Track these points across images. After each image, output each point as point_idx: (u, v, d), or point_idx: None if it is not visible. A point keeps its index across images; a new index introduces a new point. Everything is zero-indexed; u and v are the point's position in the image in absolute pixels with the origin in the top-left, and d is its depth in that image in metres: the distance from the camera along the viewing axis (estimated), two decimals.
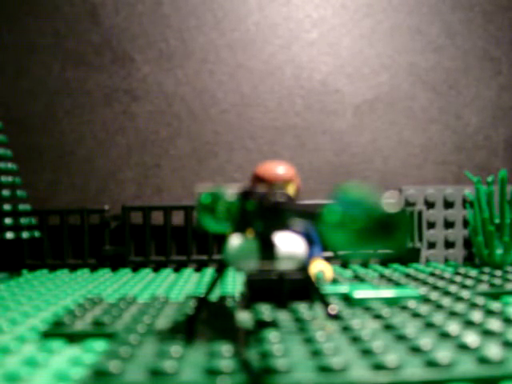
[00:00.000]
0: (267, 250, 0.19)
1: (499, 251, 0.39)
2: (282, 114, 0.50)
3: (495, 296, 0.29)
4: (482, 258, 0.40)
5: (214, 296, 0.27)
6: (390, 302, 0.25)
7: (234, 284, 0.33)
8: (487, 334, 0.19)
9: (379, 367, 0.16)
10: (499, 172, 0.40)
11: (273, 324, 0.21)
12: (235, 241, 0.20)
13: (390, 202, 0.14)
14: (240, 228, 0.20)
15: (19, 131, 0.48)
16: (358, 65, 0.51)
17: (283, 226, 0.20)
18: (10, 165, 0.41)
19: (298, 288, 0.23)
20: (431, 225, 0.46)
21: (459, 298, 0.26)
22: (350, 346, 0.18)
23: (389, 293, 0.26)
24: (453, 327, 0.19)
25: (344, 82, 0.50)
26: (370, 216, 0.14)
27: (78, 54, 0.50)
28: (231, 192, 0.20)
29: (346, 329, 0.20)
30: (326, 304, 0.21)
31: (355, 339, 0.19)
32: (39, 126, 0.49)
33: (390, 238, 0.14)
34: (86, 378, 0.14)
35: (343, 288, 0.28)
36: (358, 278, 0.34)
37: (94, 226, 0.46)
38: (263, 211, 0.19)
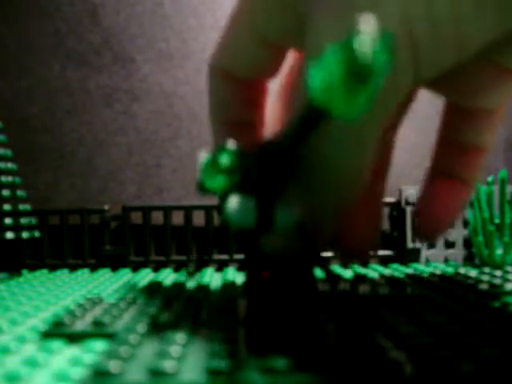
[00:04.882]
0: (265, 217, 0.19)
1: (499, 251, 0.39)
2: None
3: (495, 296, 0.29)
4: (482, 258, 0.40)
5: (214, 295, 0.27)
6: None
7: (234, 283, 0.33)
8: (487, 333, 0.19)
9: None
10: (499, 172, 0.40)
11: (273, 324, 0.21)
12: (234, 200, 0.20)
13: (364, 38, 0.13)
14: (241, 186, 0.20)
15: (19, 131, 0.48)
16: None
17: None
18: (9, 165, 0.41)
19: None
20: None
21: (459, 298, 0.26)
22: None
23: None
24: (452, 327, 0.19)
25: None
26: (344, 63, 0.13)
27: (79, 54, 0.50)
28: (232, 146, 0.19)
29: None
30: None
31: None
32: (39, 126, 0.49)
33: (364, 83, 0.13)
34: (86, 378, 0.14)
35: None
36: (358, 278, 0.34)
37: (94, 226, 0.46)
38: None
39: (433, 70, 0.19)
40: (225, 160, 0.19)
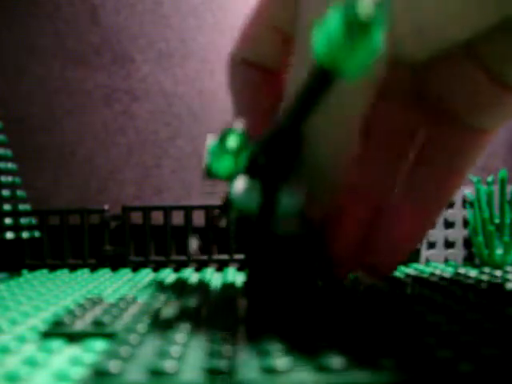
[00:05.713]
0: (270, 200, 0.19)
1: (499, 251, 0.39)
2: None
3: (495, 296, 0.29)
4: (482, 258, 0.40)
5: (215, 295, 0.27)
6: None
7: (234, 282, 0.33)
8: (487, 333, 0.19)
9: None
10: (499, 172, 0.40)
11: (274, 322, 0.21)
12: (240, 182, 0.20)
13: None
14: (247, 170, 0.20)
15: (19, 131, 0.48)
16: None
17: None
18: (10, 165, 0.41)
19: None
20: None
21: (459, 298, 0.26)
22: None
23: None
24: (452, 327, 0.19)
25: None
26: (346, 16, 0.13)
27: (78, 54, 0.50)
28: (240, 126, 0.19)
29: None
30: None
31: None
32: (39, 126, 0.49)
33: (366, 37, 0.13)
34: (86, 378, 0.14)
35: None
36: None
37: (94, 226, 0.46)
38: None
39: (415, 49, 0.19)
40: (232, 141, 0.19)
